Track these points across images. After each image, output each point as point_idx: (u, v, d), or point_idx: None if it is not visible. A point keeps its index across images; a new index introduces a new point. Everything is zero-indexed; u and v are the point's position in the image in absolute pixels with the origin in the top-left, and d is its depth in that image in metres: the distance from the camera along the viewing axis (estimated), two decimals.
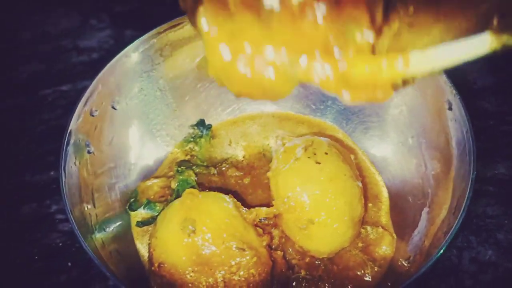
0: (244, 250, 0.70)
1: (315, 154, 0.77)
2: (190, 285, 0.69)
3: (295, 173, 0.76)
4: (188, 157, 0.94)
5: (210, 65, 0.47)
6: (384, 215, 0.86)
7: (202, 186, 0.88)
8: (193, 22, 0.47)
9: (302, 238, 0.77)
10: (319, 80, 0.43)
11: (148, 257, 0.74)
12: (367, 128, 0.94)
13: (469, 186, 0.66)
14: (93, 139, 0.79)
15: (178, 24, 0.85)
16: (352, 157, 0.85)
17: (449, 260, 0.86)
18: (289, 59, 0.43)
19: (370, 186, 0.90)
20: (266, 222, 0.79)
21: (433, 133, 0.79)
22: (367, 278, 0.78)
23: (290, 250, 0.80)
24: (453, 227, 0.64)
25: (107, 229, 0.78)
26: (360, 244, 0.81)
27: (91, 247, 0.67)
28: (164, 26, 0.84)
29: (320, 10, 0.40)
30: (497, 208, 0.91)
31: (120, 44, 0.82)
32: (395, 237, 0.83)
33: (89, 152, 0.77)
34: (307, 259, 0.79)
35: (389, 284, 0.76)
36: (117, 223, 0.82)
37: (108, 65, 0.80)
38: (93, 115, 0.78)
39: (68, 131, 0.73)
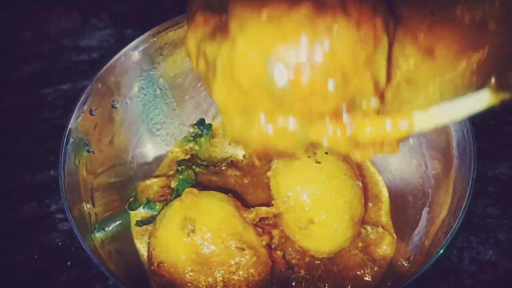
0: (243, 249, 0.70)
1: (315, 153, 0.76)
2: (189, 284, 0.69)
3: (295, 173, 0.76)
4: (188, 156, 0.94)
5: (227, 130, 0.50)
6: (384, 215, 0.86)
7: (202, 185, 0.88)
8: (210, 93, 0.49)
9: (302, 238, 0.77)
10: (329, 142, 0.47)
11: (148, 256, 0.74)
12: None
13: (469, 186, 0.66)
14: (92, 138, 0.79)
15: (178, 23, 0.85)
16: None
17: (449, 260, 0.86)
18: (300, 125, 0.46)
19: (370, 186, 0.90)
20: (266, 221, 0.79)
21: (433, 133, 0.79)
22: (367, 278, 0.78)
23: (290, 250, 0.80)
24: (453, 227, 0.64)
25: (107, 228, 0.78)
26: (360, 244, 0.81)
27: (90, 246, 0.67)
28: (164, 25, 0.84)
29: (329, 86, 0.43)
30: (497, 208, 0.91)
31: (120, 44, 0.82)
32: (395, 237, 0.83)
33: (88, 151, 0.77)
34: (307, 259, 0.79)
35: (389, 284, 0.76)
36: (117, 222, 0.82)
37: (108, 64, 0.80)
38: (92, 114, 0.78)
39: (68, 130, 0.73)
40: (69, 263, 0.89)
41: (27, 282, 0.90)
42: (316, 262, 0.79)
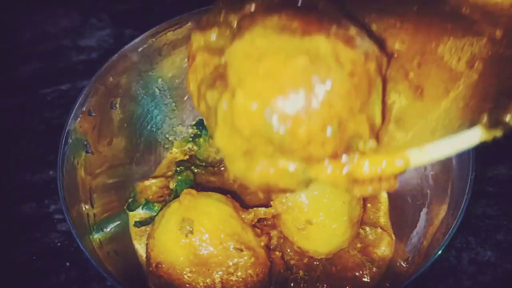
0: (242, 250, 0.70)
1: None
2: (187, 285, 0.69)
3: None
4: (187, 157, 0.94)
5: (230, 170, 0.52)
6: (383, 216, 0.86)
7: (200, 186, 0.88)
8: (212, 136, 0.52)
9: (301, 239, 0.77)
10: (329, 181, 0.49)
11: (146, 257, 0.74)
12: None
13: (468, 187, 0.66)
14: (91, 139, 0.78)
15: (177, 24, 0.84)
16: None
17: (447, 260, 0.86)
18: (300, 167, 0.48)
19: None
20: (265, 222, 0.79)
21: None
22: (365, 279, 0.78)
23: (289, 250, 0.80)
24: (452, 227, 0.64)
25: (105, 229, 0.78)
26: (358, 245, 0.81)
27: (88, 247, 0.67)
28: (163, 25, 0.84)
29: (326, 134, 0.45)
30: (496, 208, 0.91)
31: (119, 44, 0.82)
32: (393, 237, 0.83)
33: (87, 152, 0.77)
34: (306, 260, 0.79)
35: (388, 285, 0.76)
36: (115, 223, 0.82)
37: (106, 64, 0.79)
38: (91, 115, 0.78)
39: (66, 131, 0.73)
40: (68, 263, 0.89)
41: (27, 282, 0.90)
42: (315, 263, 0.79)
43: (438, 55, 0.51)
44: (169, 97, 0.93)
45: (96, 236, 0.73)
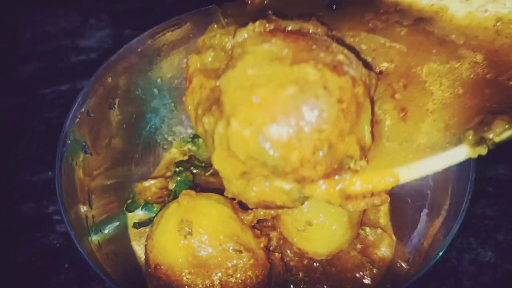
0: (241, 252, 0.70)
1: None
2: (186, 287, 0.69)
3: None
4: (186, 157, 0.94)
5: (228, 189, 0.57)
6: (383, 217, 0.86)
7: (199, 187, 0.87)
8: (210, 157, 0.55)
9: (300, 240, 0.76)
10: (323, 198, 0.52)
11: (145, 258, 0.74)
12: None
13: (468, 187, 0.66)
14: (90, 140, 0.78)
15: (176, 24, 0.84)
16: None
17: (448, 261, 0.85)
18: (295, 186, 0.52)
19: None
20: (264, 223, 0.79)
21: None
22: (365, 280, 0.78)
23: (288, 252, 0.80)
24: (453, 228, 0.64)
25: (104, 231, 0.77)
26: (358, 246, 0.81)
27: (87, 249, 0.67)
28: (162, 25, 0.83)
29: (317, 157, 0.48)
30: (496, 209, 0.90)
31: (119, 44, 0.81)
32: (394, 238, 0.82)
33: (86, 153, 0.77)
34: (305, 261, 0.79)
35: (388, 286, 0.76)
36: (114, 225, 0.82)
37: (105, 65, 0.79)
38: (90, 116, 0.77)
39: (64, 132, 0.73)
40: (67, 265, 0.89)
41: (26, 282, 0.90)
42: (315, 264, 0.79)
43: (422, 79, 0.54)
44: (168, 97, 0.92)
45: (95, 238, 0.73)
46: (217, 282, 0.69)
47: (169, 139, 0.97)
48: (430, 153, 0.52)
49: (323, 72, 0.47)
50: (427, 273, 0.63)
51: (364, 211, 0.82)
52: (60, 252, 0.91)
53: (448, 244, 0.63)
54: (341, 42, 0.56)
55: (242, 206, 0.77)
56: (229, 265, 0.69)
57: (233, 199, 0.75)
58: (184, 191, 0.74)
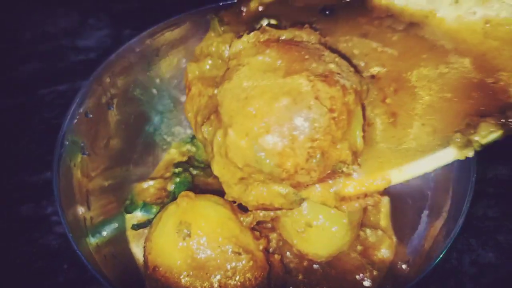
0: (240, 254, 0.69)
1: None
2: None
3: None
4: (185, 158, 0.93)
5: (227, 193, 0.61)
6: (383, 218, 0.85)
7: (199, 188, 0.87)
8: (210, 163, 0.59)
9: (300, 242, 0.76)
10: (319, 200, 0.56)
11: (144, 260, 0.74)
12: None
13: (469, 189, 0.65)
14: (88, 140, 0.78)
15: (175, 24, 0.83)
16: None
17: (449, 262, 0.85)
18: (292, 190, 0.55)
19: None
20: (264, 225, 0.79)
21: None
22: (366, 282, 0.77)
23: (288, 253, 0.79)
24: (453, 230, 0.63)
25: (102, 232, 0.77)
26: (359, 247, 0.80)
27: (85, 251, 0.67)
28: (161, 25, 0.83)
29: (310, 164, 0.51)
30: (497, 209, 0.90)
31: (118, 44, 0.81)
32: (394, 240, 0.82)
33: (84, 153, 0.77)
34: (305, 263, 0.79)
35: None
36: (113, 226, 0.81)
37: (103, 65, 0.79)
38: (88, 116, 0.77)
39: (62, 133, 0.72)
40: (65, 266, 0.89)
41: (26, 282, 0.90)
42: (314, 266, 0.78)
43: (413, 84, 0.57)
44: (167, 97, 0.92)
45: (93, 239, 0.73)
46: (216, 285, 0.69)
47: (168, 139, 0.96)
48: (419, 156, 0.54)
49: (315, 83, 0.49)
50: (428, 275, 0.62)
51: (365, 212, 0.82)
52: (59, 252, 0.91)
53: (448, 246, 0.62)
54: (334, 49, 0.59)
55: (242, 208, 0.76)
56: (228, 267, 0.69)
57: (234, 201, 0.76)
58: (182, 193, 0.73)
